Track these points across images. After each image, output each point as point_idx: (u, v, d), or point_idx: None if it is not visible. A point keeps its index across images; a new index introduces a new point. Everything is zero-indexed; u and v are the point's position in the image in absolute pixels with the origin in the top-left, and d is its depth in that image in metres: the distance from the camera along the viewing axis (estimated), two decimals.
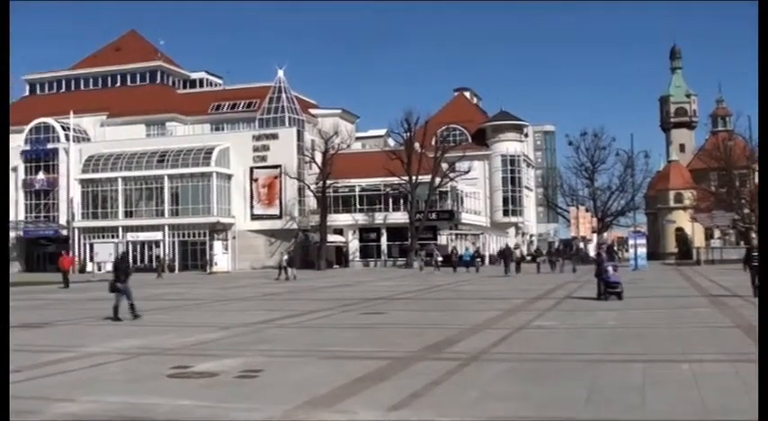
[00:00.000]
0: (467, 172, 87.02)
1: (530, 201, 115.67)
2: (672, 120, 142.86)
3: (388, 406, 9.43)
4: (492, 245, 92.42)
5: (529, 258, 76.26)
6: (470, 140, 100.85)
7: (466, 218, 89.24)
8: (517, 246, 65.60)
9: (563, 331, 18.05)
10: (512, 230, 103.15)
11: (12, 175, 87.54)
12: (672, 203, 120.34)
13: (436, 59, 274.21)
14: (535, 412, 9.21)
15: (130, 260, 75.12)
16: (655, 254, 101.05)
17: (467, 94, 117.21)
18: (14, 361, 13.41)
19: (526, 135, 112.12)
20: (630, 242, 65.14)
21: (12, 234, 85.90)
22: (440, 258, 65.66)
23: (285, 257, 53.60)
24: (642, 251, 61.22)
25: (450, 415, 9.02)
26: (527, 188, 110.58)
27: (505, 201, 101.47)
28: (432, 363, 12.97)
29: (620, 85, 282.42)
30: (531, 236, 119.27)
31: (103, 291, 41.03)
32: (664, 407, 9.26)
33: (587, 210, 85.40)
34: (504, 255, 56.43)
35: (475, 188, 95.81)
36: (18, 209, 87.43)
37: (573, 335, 17.24)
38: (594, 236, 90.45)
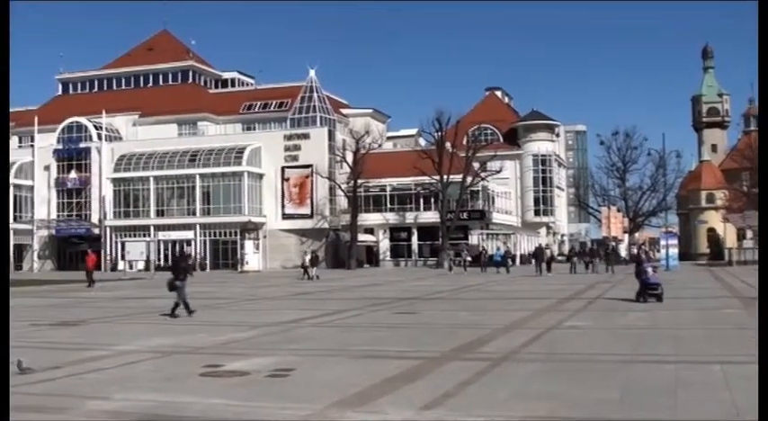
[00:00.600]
0: (498, 171, 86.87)
1: (561, 200, 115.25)
2: (704, 119, 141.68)
3: (420, 405, 9.43)
4: (523, 245, 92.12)
5: (561, 258, 75.84)
6: (502, 140, 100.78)
7: (497, 217, 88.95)
8: (547, 246, 65.32)
9: (595, 331, 17.96)
10: (543, 230, 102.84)
11: (44, 174, 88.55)
12: (704, 203, 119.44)
13: (467, 59, 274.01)
14: (567, 412, 9.19)
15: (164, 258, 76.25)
16: (686, 254, 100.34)
17: (498, 94, 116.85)
18: (51, 358, 13.65)
19: (558, 135, 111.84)
20: (662, 242, 64.58)
21: (44, 232, 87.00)
22: (468, 258, 65.30)
23: (308, 257, 53.70)
24: (674, 251, 60.77)
25: (482, 415, 9.00)
26: (558, 188, 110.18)
27: (537, 200, 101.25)
28: (463, 363, 12.95)
29: (652, 85, 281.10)
30: (563, 236, 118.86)
31: (133, 289, 41.69)
32: (696, 407, 9.22)
33: (618, 210, 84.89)
34: (536, 255, 56.25)
35: (506, 188, 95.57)
36: (51, 207, 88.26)
37: (605, 336, 17.15)
38: (626, 236, 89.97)
